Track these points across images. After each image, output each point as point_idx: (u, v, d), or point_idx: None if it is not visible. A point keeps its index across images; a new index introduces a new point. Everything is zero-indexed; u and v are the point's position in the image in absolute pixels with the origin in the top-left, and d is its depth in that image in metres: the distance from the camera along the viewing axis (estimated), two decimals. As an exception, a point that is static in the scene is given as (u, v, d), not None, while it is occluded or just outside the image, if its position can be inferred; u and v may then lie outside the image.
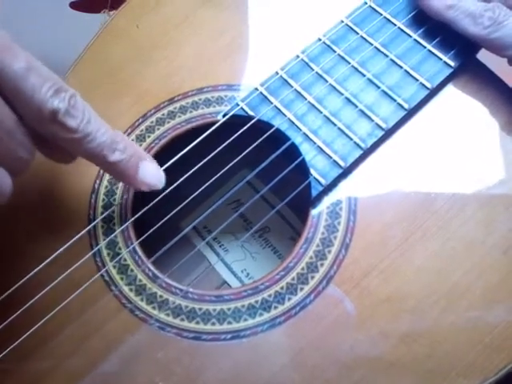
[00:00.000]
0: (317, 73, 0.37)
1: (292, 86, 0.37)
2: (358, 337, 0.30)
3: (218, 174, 0.35)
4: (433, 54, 0.36)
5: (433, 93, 0.36)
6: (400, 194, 0.34)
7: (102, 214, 0.35)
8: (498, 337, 0.29)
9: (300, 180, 0.35)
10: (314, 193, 0.34)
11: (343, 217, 0.33)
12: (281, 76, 0.37)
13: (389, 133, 0.35)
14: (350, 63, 0.37)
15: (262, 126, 0.36)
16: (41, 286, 0.32)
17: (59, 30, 0.59)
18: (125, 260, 0.34)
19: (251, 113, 0.37)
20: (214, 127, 0.36)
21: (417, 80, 0.36)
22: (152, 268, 0.34)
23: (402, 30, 0.37)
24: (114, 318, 0.32)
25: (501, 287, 0.30)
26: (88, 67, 0.41)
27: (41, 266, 0.32)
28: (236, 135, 0.35)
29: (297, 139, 0.35)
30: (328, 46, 0.38)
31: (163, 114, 0.38)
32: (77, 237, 0.33)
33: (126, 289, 0.33)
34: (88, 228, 0.35)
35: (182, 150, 0.35)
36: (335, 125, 0.35)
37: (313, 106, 0.36)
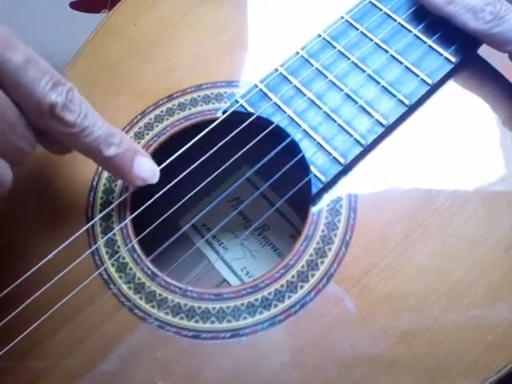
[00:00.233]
0: (317, 69, 0.37)
1: (292, 83, 0.37)
2: (359, 335, 0.30)
3: (218, 172, 0.35)
4: (433, 49, 0.36)
5: (433, 89, 0.35)
6: (400, 191, 0.33)
7: (101, 211, 0.35)
8: (500, 335, 0.29)
9: (300, 177, 0.35)
10: (314, 190, 0.33)
11: (343, 214, 0.33)
12: (280, 72, 0.37)
13: (389, 129, 0.35)
14: (349, 59, 0.37)
15: (262, 122, 0.36)
16: (39, 285, 0.32)
17: (59, 29, 0.59)
18: (123, 258, 0.34)
19: (251, 109, 0.36)
20: (213, 125, 0.36)
21: (417, 76, 0.35)
22: (151, 266, 0.33)
23: (402, 26, 0.37)
24: (113, 316, 0.32)
25: (503, 285, 0.30)
26: (86, 65, 0.41)
27: (39, 265, 0.32)
28: (235, 132, 0.35)
29: (296, 136, 0.35)
30: (328, 42, 0.38)
31: (162, 111, 0.38)
32: (75, 236, 0.33)
33: (124, 287, 0.33)
34: (86, 227, 0.35)
35: (180, 148, 0.35)
36: (335, 121, 0.35)
37: (313, 102, 0.36)
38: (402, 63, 0.36)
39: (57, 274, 0.32)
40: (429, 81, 0.35)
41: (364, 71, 0.36)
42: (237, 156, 0.34)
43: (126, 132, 0.38)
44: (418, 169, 0.34)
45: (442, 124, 0.35)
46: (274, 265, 0.33)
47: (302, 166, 0.35)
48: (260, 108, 0.36)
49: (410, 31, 0.37)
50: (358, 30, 0.37)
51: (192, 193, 0.34)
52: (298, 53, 0.38)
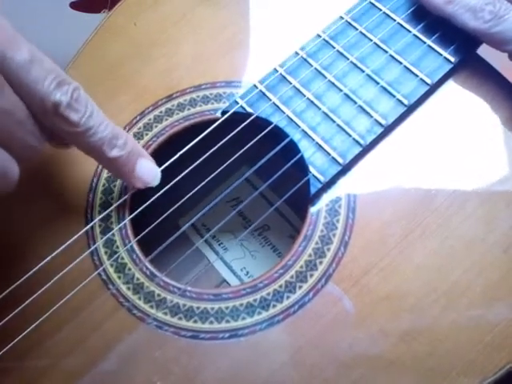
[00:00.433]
0: (316, 69, 0.37)
1: (291, 83, 0.37)
2: (357, 335, 0.30)
3: (217, 172, 0.35)
4: (433, 49, 0.36)
5: (433, 89, 0.35)
6: (400, 191, 0.33)
7: (100, 212, 0.35)
8: (499, 335, 0.29)
9: (299, 177, 0.34)
10: (313, 190, 0.33)
11: (342, 214, 0.33)
12: (279, 73, 0.37)
13: (388, 129, 0.35)
14: (349, 59, 0.37)
15: (261, 122, 0.36)
16: (38, 285, 0.32)
17: (59, 29, 0.59)
18: (122, 258, 0.34)
19: (250, 110, 0.36)
20: (213, 126, 0.36)
21: (416, 76, 0.35)
22: (150, 266, 0.33)
23: (401, 26, 0.37)
24: (112, 316, 0.32)
25: (501, 285, 0.30)
26: (86, 64, 0.41)
27: (38, 266, 0.32)
28: (234, 132, 0.35)
29: (295, 136, 0.35)
30: (327, 42, 0.37)
31: (161, 112, 0.38)
32: (75, 237, 0.33)
33: (123, 287, 0.33)
34: (86, 228, 0.35)
35: (180, 148, 0.35)
36: (334, 121, 0.35)
37: (312, 102, 0.36)
38: (401, 63, 0.36)
39: (56, 275, 0.32)
40: (428, 81, 0.35)
41: (363, 71, 0.36)
42: (236, 156, 0.34)
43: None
44: (417, 169, 0.34)
45: (442, 124, 0.35)
46: (274, 265, 0.33)
47: (301, 166, 0.35)
48: (259, 108, 0.36)
49: (410, 31, 0.37)
50: (357, 29, 0.37)
51: (191, 193, 0.34)
52: (297, 53, 0.38)
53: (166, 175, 0.34)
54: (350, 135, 0.34)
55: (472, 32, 0.35)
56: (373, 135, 0.34)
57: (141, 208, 0.34)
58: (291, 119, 0.36)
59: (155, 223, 0.33)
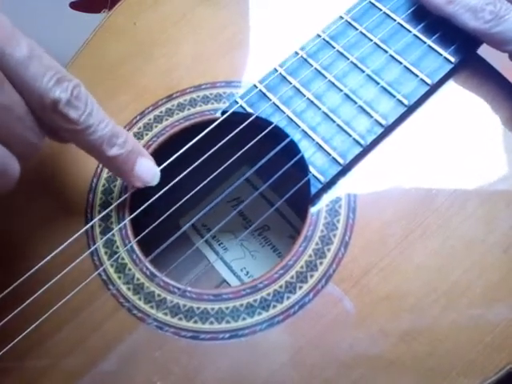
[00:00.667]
0: (316, 69, 0.37)
1: (291, 83, 0.37)
2: (358, 335, 0.30)
3: (217, 172, 0.35)
4: (433, 49, 0.36)
5: (433, 89, 0.35)
6: (400, 191, 0.33)
7: (100, 212, 0.35)
8: (499, 336, 0.29)
9: (299, 177, 0.34)
10: (313, 190, 0.33)
11: (342, 214, 0.33)
12: (279, 73, 0.37)
13: (388, 129, 0.35)
14: (349, 59, 0.37)
15: (261, 123, 0.36)
16: (38, 285, 0.32)
17: (59, 30, 0.59)
18: (122, 259, 0.34)
19: (250, 110, 0.36)
20: (213, 125, 0.36)
21: (417, 76, 0.35)
22: (150, 267, 0.33)
23: (401, 26, 0.37)
24: (112, 317, 0.32)
25: (501, 286, 0.30)
26: (86, 64, 0.41)
27: (38, 266, 0.32)
28: (235, 132, 0.35)
29: (296, 136, 0.35)
30: (327, 42, 0.37)
31: (161, 112, 0.38)
32: (74, 237, 0.33)
33: (123, 288, 0.33)
34: (85, 228, 0.35)
35: (180, 148, 0.35)
36: (334, 121, 0.35)
37: (312, 102, 0.36)
38: (401, 63, 0.36)
39: (56, 275, 0.32)
40: (428, 81, 0.35)
41: (363, 71, 0.36)
42: (236, 156, 0.34)
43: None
44: (418, 169, 0.34)
45: (442, 124, 0.35)
46: (274, 265, 0.33)
47: (301, 167, 0.35)
48: (259, 108, 0.36)
49: (410, 31, 0.37)
50: (357, 29, 0.37)
51: (192, 193, 0.34)
52: (297, 53, 0.38)
53: (167, 175, 0.34)
54: (350, 135, 0.34)
55: (472, 32, 0.34)
56: (373, 135, 0.34)
57: (141, 208, 0.34)
58: (291, 119, 0.36)
59: (155, 223, 0.33)
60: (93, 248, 0.34)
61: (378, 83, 0.36)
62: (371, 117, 0.35)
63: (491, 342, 0.29)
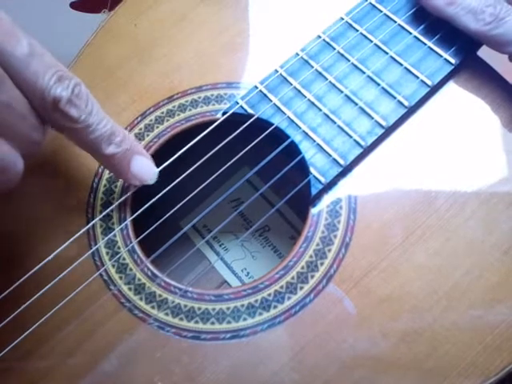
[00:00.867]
0: (316, 70, 0.37)
1: (291, 84, 0.37)
2: (359, 336, 0.30)
3: (218, 173, 0.35)
4: (433, 51, 0.36)
5: (433, 90, 0.36)
6: (400, 192, 0.33)
7: (101, 212, 0.35)
8: (500, 337, 0.29)
9: (300, 178, 0.35)
10: (314, 191, 0.34)
11: (343, 215, 0.33)
12: (280, 74, 0.37)
13: (389, 131, 0.35)
14: (349, 60, 0.37)
15: (262, 124, 0.36)
16: (39, 286, 0.32)
17: (59, 30, 0.59)
18: (124, 259, 0.34)
19: (251, 111, 0.36)
20: (213, 125, 0.36)
21: (417, 77, 0.35)
22: (151, 267, 0.33)
23: (402, 27, 0.37)
24: (113, 317, 0.32)
25: (502, 287, 0.30)
26: (86, 65, 0.41)
27: (39, 266, 0.32)
28: (236, 133, 0.35)
29: (296, 137, 0.35)
30: (328, 43, 0.38)
31: (162, 113, 0.38)
32: (75, 236, 0.33)
33: (124, 288, 0.33)
34: (86, 228, 0.35)
35: (180, 149, 0.35)
36: (335, 122, 0.35)
37: (312, 103, 0.36)
38: (401, 65, 0.36)
39: (57, 275, 0.32)
40: (429, 82, 0.35)
41: (364, 73, 0.36)
42: (237, 157, 0.35)
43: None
44: (418, 170, 0.34)
45: (442, 125, 0.35)
46: (275, 266, 0.33)
47: (302, 168, 0.35)
48: (260, 109, 0.36)
49: (410, 33, 0.37)
50: (357, 31, 0.38)
51: (192, 194, 0.34)
52: (297, 54, 0.38)
53: (168, 176, 0.34)
54: (350, 136, 0.34)
55: (472, 34, 0.35)
56: (374, 136, 0.34)
57: (142, 209, 0.34)
58: (292, 120, 0.36)
59: (156, 224, 0.34)
60: (94, 248, 0.34)
61: (378, 84, 0.36)
62: (372, 118, 0.35)
63: (492, 343, 0.29)
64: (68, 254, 0.33)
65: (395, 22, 0.37)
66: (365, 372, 0.29)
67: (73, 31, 0.54)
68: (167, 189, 0.34)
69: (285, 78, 0.37)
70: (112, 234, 0.35)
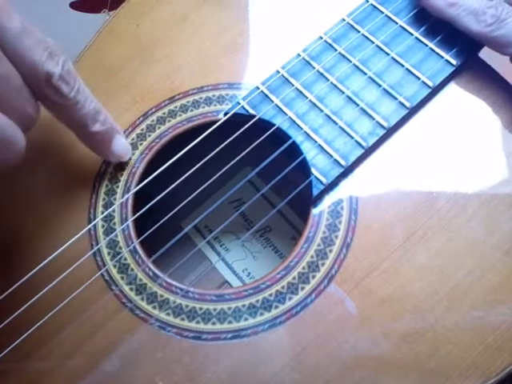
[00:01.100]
0: (318, 71, 0.37)
1: (293, 85, 0.37)
2: (360, 336, 0.30)
3: (219, 173, 0.35)
4: (434, 52, 0.36)
5: (434, 91, 0.36)
6: (401, 193, 0.34)
7: (103, 213, 0.35)
8: (501, 337, 0.29)
9: (301, 179, 0.35)
10: (315, 192, 0.34)
11: (344, 216, 0.33)
12: (282, 75, 0.37)
13: (390, 131, 0.35)
14: (351, 61, 0.37)
15: (263, 124, 0.36)
16: (40, 286, 0.32)
17: (59, 30, 0.59)
18: (125, 259, 0.34)
19: (252, 111, 0.36)
20: (215, 125, 0.36)
21: (418, 78, 0.35)
22: (152, 267, 0.33)
23: (403, 28, 0.37)
24: (115, 317, 0.32)
25: (503, 287, 0.30)
26: (88, 66, 0.41)
27: (40, 266, 0.32)
28: (237, 134, 0.35)
29: (298, 138, 0.35)
30: (329, 44, 0.38)
31: (164, 113, 0.38)
32: (76, 237, 0.33)
33: (126, 288, 0.33)
34: (88, 227, 0.35)
35: (182, 149, 0.35)
36: (336, 123, 0.35)
37: (314, 104, 0.36)
38: (403, 66, 0.36)
39: (59, 275, 0.32)
40: (430, 83, 0.35)
41: (365, 74, 0.36)
42: (238, 158, 0.35)
43: (129, 133, 0.38)
44: (419, 171, 0.34)
45: (443, 126, 0.35)
46: (276, 266, 0.33)
47: (303, 168, 0.35)
48: (261, 110, 0.36)
49: (411, 34, 0.37)
50: (359, 32, 0.38)
51: (194, 194, 0.34)
52: (299, 55, 0.38)
53: (169, 176, 0.34)
54: (352, 137, 0.35)
55: (474, 35, 0.35)
56: (375, 137, 0.34)
57: (144, 209, 0.34)
58: (293, 121, 0.36)
59: (158, 224, 0.34)
60: (95, 248, 0.34)
61: (379, 85, 0.36)
62: (373, 119, 0.35)
63: (493, 343, 0.29)
64: (69, 254, 0.33)
65: (397, 23, 0.37)
66: (366, 372, 0.29)
67: (73, 31, 0.54)
68: (169, 189, 0.34)
69: (286, 79, 0.37)
70: (113, 234, 0.35)
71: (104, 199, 0.36)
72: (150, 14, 0.42)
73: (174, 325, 0.32)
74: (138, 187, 0.36)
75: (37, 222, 0.36)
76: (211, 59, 0.40)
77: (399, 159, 0.34)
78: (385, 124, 0.35)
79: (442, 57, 0.36)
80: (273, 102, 0.36)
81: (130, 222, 0.35)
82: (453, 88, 0.36)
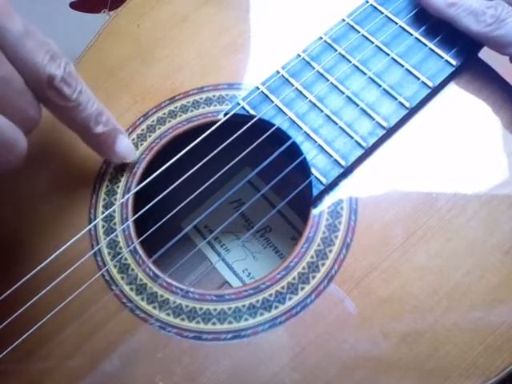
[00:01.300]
0: (318, 71, 0.37)
1: (293, 85, 0.37)
2: (359, 337, 0.30)
3: (219, 173, 0.35)
4: (434, 52, 0.36)
5: (434, 91, 0.36)
6: (401, 193, 0.34)
7: (103, 213, 0.35)
8: (500, 337, 0.29)
9: (301, 179, 0.35)
10: (315, 192, 0.34)
11: (344, 216, 0.33)
12: (282, 75, 0.37)
13: (390, 132, 0.35)
14: (351, 62, 0.37)
15: (263, 124, 0.36)
16: (41, 286, 0.32)
17: (59, 30, 0.59)
18: (125, 259, 0.34)
19: (252, 112, 0.36)
20: (215, 126, 0.36)
21: (418, 79, 0.35)
22: (152, 267, 0.34)
23: (403, 29, 0.37)
24: (115, 317, 0.32)
25: (503, 287, 0.30)
26: (89, 66, 0.41)
27: (40, 267, 0.32)
28: (237, 134, 0.35)
29: (298, 138, 0.35)
30: (329, 44, 0.38)
31: (164, 113, 0.38)
32: (77, 237, 0.33)
33: (126, 288, 0.33)
34: (88, 228, 0.35)
35: (182, 150, 0.35)
36: (336, 124, 0.35)
37: (314, 104, 0.36)
38: (402, 66, 0.36)
39: (59, 275, 0.32)
40: (430, 84, 0.35)
41: (365, 74, 0.36)
42: (238, 158, 0.35)
43: (129, 134, 0.38)
44: (419, 171, 0.34)
45: (443, 127, 0.35)
46: (276, 266, 0.33)
47: (303, 168, 0.35)
48: (262, 110, 0.36)
49: (411, 34, 0.37)
50: (359, 32, 0.38)
51: (194, 194, 0.34)
52: (299, 55, 0.38)
53: (169, 177, 0.34)
54: (352, 137, 0.35)
55: (474, 35, 0.35)
56: (375, 137, 0.34)
57: (144, 209, 0.34)
58: (293, 121, 0.36)
59: (158, 224, 0.34)
60: (96, 249, 0.34)
61: (379, 86, 0.36)
62: (373, 119, 0.35)
63: (492, 343, 0.29)
64: (70, 254, 0.33)
65: (396, 23, 0.37)
66: (366, 372, 0.29)
67: (72, 31, 0.54)
68: (169, 189, 0.34)
69: (286, 79, 0.37)
70: (114, 234, 0.35)
71: (104, 199, 0.36)
72: (150, 14, 0.42)
73: (174, 325, 0.32)
74: (138, 187, 0.36)
75: (38, 223, 0.36)
76: (211, 59, 0.40)
77: (399, 159, 0.35)
78: (385, 124, 0.35)
79: (442, 57, 0.36)
80: (273, 102, 0.36)
81: (130, 222, 0.35)
82: (453, 88, 0.36)
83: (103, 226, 0.35)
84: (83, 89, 0.30)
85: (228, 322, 0.31)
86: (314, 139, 0.35)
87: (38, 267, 0.32)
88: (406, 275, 0.31)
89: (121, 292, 0.33)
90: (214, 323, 0.32)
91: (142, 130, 0.38)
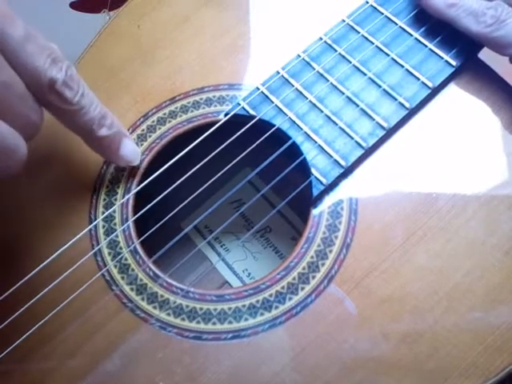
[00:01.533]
0: (318, 72, 0.37)
1: (293, 86, 0.37)
2: (359, 337, 0.30)
3: (219, 174, 0.35)
4: (434, 53, 0.36)
5: (434, 92, 0.36)
6: (401, 193, 0.34)
7: (103, 213, 0.35)
8: (500, 337, 0.29)
9: (301, 179, 0.35)
10: (315, 192, 0.34)
11: (344, 216, 0.33)
12: (282, 75, 0.37)
13: (390, 132, 0.35)
14: (351, 62, 0.37)
15: (263, 125, 0.36)
16: (41, 286, 0.32)
17: (59, 30, 0.59)
18: (126, 259, 0.34)
19: (252, 112, 0.37)
20: (215, 126, 0.36)
21: (418, 79, 0.36)
22: (153, 267, 0.34)
23: (403, 29, 0.37)
24: (115, 317, 0.32)
25: (503, 287, 0.30)
26: (89, 67, 0.41)
27: (41, 266, 0.32)
28: (237, 134, 0.35)
29: (298, 138, 0.35)
30: (329, 45, 0.38)
31: (164, 114, 0.38)
32: (77, 237, 0.33)
33: (126, 288, 0.33)
34: (89, 228, 0.35)
35: (183, 150, 0.35)
36: (336, 124, 0.35)
37: (314, 105, 0.36)
38: (402, 66, 0.36)
39: (60, 275, 0.32)
40: (429, 84, 0.35)
41: (365, 74, 0.36)
42: (238, 158, 0.35)
43: (130, 134, 0.38)
44: (419, 171, 0.34)
45: (443, 127, 0.35)
46: (276, 266, 0.33)
47: (303, 169, 0.35)
48: (262, 111, 0.36)
49: (411, 35, 0.37)
50: (359, 33, 0.38)
51: (194, 195, 0.34)
52: (299, 56, 0.38)
53: (170, 177, 0.34)
54: (352, 138, 0.35)
55: (474, 36, 0.35)
56: (375, 138, 0.34)
57: (144, 209, 0.34)
58: (294, 122, 0.36)
59: (158, 224, 0.34)
60: (96, 249, 0.34)
61: (379, 86, 0.36)
62: (373, 119, 0.35)
63: (492, 344, 0.29)
64: (70, 254, 0.33)
65: (396, 24, 0.37)
66: (365, 373, 0.29)
67: (72, 31, 0.54)
68: (169, 190, 0.34)
69: (286, 80, 0.37)
70: (114, 234, 0.35)
71: (105, 200, 0.36)
72: (150, 15, 0.42)
73: (175, 325, 0.32)
74: (138, 188, 0.36)
75: (38, 223, 0.36)
76: (212, 60, 0.40)
77: (399, 160, 0.35)
78: (385, 125, 0.35)
79: (442, 58, 0.36)
80: (273, 102, 0.37)
81: (130, 222, 0.35)
82: (452, 89, 0.36)
83: (103, 226, 0.35)
84: (85, 92, 0.30)
85: (228, 322, 0.32)
86: (314, 139, 0.35)
87: (39, 267, 0.32)
88: (406, 275, 0.31)
89: (121, 292, 0.33)
90: (214, 323, 0.32)
91: (143, 130, 0.38)
